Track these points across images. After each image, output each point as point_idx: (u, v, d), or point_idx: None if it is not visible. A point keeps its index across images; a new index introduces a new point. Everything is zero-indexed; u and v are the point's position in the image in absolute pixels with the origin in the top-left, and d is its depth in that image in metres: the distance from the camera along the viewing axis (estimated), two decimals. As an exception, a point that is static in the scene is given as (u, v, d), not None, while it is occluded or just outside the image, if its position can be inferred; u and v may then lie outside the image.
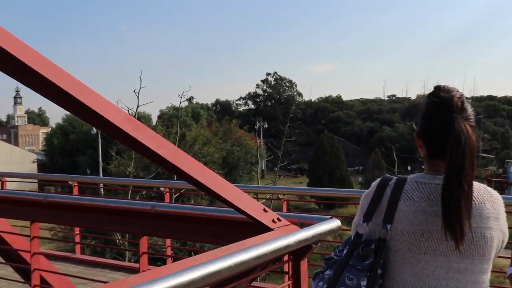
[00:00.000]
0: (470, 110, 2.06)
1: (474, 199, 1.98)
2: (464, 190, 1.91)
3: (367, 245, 2.06)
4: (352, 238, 2.14)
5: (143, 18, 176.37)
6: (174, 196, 18.68)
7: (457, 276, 1.98)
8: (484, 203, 2.01)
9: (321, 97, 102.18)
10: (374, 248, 2.04)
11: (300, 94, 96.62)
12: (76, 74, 2.48)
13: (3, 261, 5.47)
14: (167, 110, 60.41)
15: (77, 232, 9.32)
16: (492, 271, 2.17)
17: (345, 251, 2.11)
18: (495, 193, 2.09)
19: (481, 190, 2.05)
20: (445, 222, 1.92)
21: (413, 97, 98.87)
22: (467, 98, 2.10)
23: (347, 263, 2.06)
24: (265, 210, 3.13)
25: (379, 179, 2.19)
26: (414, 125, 2.25)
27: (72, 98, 2.44)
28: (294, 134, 73.17)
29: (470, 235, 1.96)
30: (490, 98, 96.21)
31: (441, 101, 2.06)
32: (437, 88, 2.12)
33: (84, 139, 59.13)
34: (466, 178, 1.92)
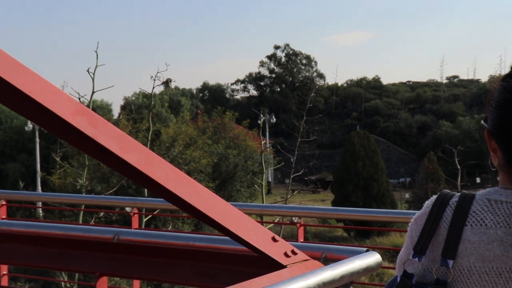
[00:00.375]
0: None
1: None
2: None
3: None
4: (398, 280, 2.09)
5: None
6: (145, 219, 18.80)
7: None
8: None
9: (351, 80, 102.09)
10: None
11: (321, 76, 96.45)
12: (10, 45, 2.49)
13: None
14: (134, 98, 60.59)
15: (4, 272, 9.32)
16: None
17: None
18: None
19: None
20: None
21: (484, 79, 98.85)
22: None
23: None
24: (274, 240, 3.15)
25: (434, 196, 2.13)
26: (483, 120, 2.15)
27: (3, 83, 2.46)
28: (313, 132, 73.19)
29: None
30: None
31: None
32: None
33: (15, 139, 59.00)
34: None
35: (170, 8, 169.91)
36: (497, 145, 2.05)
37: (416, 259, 2.06)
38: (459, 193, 2.10)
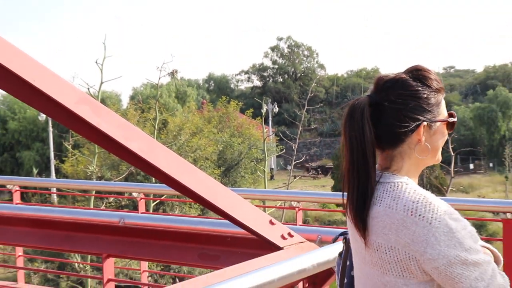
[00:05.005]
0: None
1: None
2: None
3: (343, 234, 2.62)
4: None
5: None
6: (153, 204, 18.83)
7: (365, 278, 2.32)
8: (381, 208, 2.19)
9: (351, 70, 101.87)
10: (345, 245, 2.58)
11: (322, 67, 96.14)
12: (12, 40, 2.50)
13: None
14: (142, 89, 60.52)
15: (20, 254, 9.36)
16: None
17: None
18: (413, 199, 2.12)
19: (390, 191, 2.18)
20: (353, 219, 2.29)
21: (479, 69, 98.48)
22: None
23: (340, 253, 2.63)
24: (272, 223, 3.16)
25: None
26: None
27: (8, 72, 2.46)
28: (314, 120, 73.12)
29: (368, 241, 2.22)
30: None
31: None
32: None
33: (29, 129, 58.85)
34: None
35: (177, 1, 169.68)
36: None
37: None
38: None
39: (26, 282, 9.48)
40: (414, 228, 2.05)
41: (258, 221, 3.11)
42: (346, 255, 2.56)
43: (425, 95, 2.22)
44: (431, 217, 2.05)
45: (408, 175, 2.22)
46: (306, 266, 2.79)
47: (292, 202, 8.64)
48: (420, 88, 2.21)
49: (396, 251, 2.09)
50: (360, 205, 2.18)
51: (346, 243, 2.56)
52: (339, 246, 2.75)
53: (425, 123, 2.20)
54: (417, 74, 2.25)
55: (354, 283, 2.46)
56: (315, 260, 2.84)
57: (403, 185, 2.15)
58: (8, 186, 10.04)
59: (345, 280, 2.52)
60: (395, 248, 2.09)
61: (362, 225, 2.18)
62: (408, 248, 2.07)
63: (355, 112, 2.18)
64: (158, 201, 18.80)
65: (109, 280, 4.32)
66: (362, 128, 2.15)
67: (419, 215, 2.05)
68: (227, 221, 3.18)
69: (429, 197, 2.10)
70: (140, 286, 7.18)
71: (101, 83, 23.73)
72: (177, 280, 15.11)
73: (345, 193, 2.33)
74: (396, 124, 2.18)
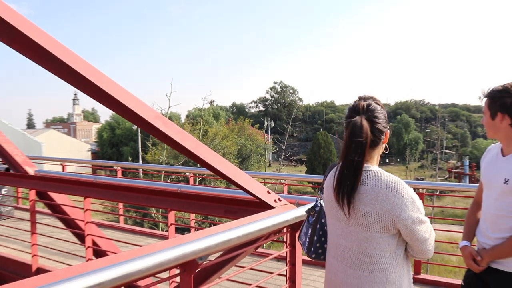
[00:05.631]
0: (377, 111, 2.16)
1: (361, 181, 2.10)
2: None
3: (314, 208, 2.47)
4: (315, 201, 2.51)
5: (177, 33, 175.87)
6: (198, 180, 18.70)
7: (346, 237, 2.14)
8: (368, 186, 2.09)
9: (318, 102, 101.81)
10: (317, 210, 2.43)
11: (300, 99, 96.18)
12: (121, 80, 2.52)
13: (63, 227, 5.57)
14: (193, 111, 60.45)
15: (121, 207, 9.39)
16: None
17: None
18: (391, 181, 2.08)
19: (372, 176, 2.10)
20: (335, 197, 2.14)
21: (392, 103, 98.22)
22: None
23: (307, 219, 2.49)
24: (268, 192, 3.15)
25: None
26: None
27: (116, 101, 2.47)
28: (295, 131, 73.02)
29: (353, 210, 2.10)
30: (453, 105, 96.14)
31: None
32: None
33: (127, 133, 59.20)
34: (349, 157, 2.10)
35: (218, 59, 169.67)
36: None
37: (320, 194, 2.45)
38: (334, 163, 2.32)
39: (124, 223, 9.48)
40: (393, 199, 2.02)
41: (261, 191, 3.10)
42: (316, 221, 2.42)
43: (386, 113, 2.23)
44: (403, 192, 2.04)
45: (377, 165, 2.18)
46: (288, 218, 2.78)
47: (281, 180, 8.64)
48: (384, 110, 2.20)
49: (379, 215, 2.04)
50: (352, 186, 2.07)
51: (316, 213, 2.43)
52: (309, 206, 2.73)
53: (388, 130, 2.20)
54: (378, 100, 2.21)
55: (321, 239, 2.38)
56: (294, 215, 2.83)
57: (380, 172, 2.10)
58: (114, 167, 10.10)
59: (315, 238, 2.39)
60: (379, 213, 2.04)
61: (350, 199, 2.08)
62: (388, 213, 2.03)
63: (356, 126, 2.06)
64: (201, 178, 18.69)
65: (171, 224, 4.30)
66: (366, 136, 2.06)
67: (396, 191, 2.03)
68: (241, 190, 3.17)
69: (399, 179, 2.09)
70: (189, 228, 7.12)
71: (169, 107, 24.05)
72: (212, 225, 15.17)
73: (326, 175, 2.32)
74: (380, 132, 2.15)
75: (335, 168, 2.19)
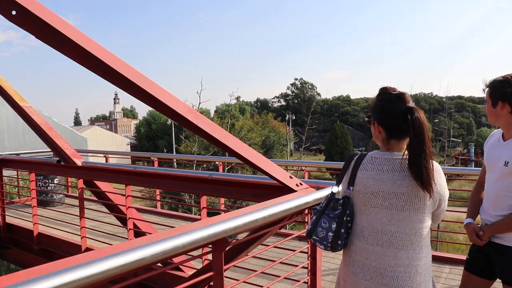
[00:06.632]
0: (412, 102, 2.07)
1: None
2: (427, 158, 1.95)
3: (337, 200, 2.16)
4: (328, 195, 2.23)
5: (203, 38, 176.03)
6: (227, 168, 18.81)
7: (397, 223, 2.01)
8: None
9: (334, 96, 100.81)
10: (342, 203, 2.12)
11: (319, 94, 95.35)
12: (156, 79, 2.54)
13: (108, 211, 5.69)
14: (221, 106, 60.64)
15: (158, 193, 9.51)
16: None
17: (323, 204, 2.22)
18: (435, 164, 2.05)
19: None
20: (420, 183, 1.96)
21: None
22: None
23: (324, 212, 2.18)
24: (291, 177, 3.15)
25: (349, 155, 2.21)
26: (367, 118, 2.18)
27: (153, 98, 2.50)
28: (314, 123, 72.51)
29: (406, 196, 1.99)
30: (459, 97, 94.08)
31: (396, 96, 2.05)
32: (385, 88, 2.11)
33: (162, 128, 59.62)
34: (427, 150, 1.95)
35: (243, 58, 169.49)
36: (382, 129, 2.09)
37: (337, 186, 2.23)
38: (359, 153, 2.20)
39: (161, 208, 9.60)
40: (440, 181, 2.08)
41: (284, 177, 3.11)
42: (343, 214, 2.10)
43: None
44: (443, 174, 2.11)
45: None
46: (309, 200, 2.77)
47: (302, 167, 8.62)
48: None
49: (433, 197, 2.02)
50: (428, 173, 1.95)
51: (341, 206, 2.12)
52: (327, 190, 2.72)
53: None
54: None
55: (347, 231, 2.11)
56: (314, 197, 2.82)
57: None
58: (151, 158, 10.20)
59: (342, 231, 2.09)
60: (433, 195, 2.02)
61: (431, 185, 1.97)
62: (438, 194, 2.06)
63: (422, 117, 1.97)
64: (230, 167, 18.82)
65: (203, 208, 4.34)
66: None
67: (441, 172, 2.10)
68: (266, 176, 3.18)
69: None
70: (219, 211, 7.17)
71: (199, 103, 24.09)
72: (240, 208, 15.23)
73: (350, 165, 2.14)
74: None
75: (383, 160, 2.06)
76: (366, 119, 2.19)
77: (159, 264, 3.84)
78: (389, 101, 2.05)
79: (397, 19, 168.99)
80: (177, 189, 4.12)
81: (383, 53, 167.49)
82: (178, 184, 4.17)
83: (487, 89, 2.64)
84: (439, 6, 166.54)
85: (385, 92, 2.10)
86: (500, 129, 2.70)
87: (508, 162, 2.51)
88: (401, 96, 2.04)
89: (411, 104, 2.02)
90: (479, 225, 2.71)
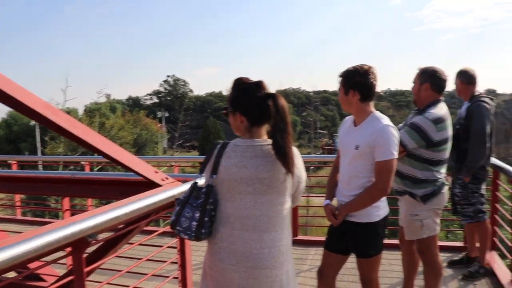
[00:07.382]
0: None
1: None
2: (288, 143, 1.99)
3: (200, 189, 2.11)
4: (191, 185, 2.19)
5: (70, 33, 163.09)
6: (96, 169, 17.78)
7: (261, 207, 2.02)
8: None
9: (207, 93, 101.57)
10: (205, 191, 2.07)
11: (191, 90, 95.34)
12: (17, 77, 2.28)
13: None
14: (90, 105, 57.14)
15: (18, 199, 8.62)
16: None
17: (186, 194, 2.17)
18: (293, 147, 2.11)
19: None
20: (286, 164, 1.99)
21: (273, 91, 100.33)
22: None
23: (187, 201, 2.12)
24: (156, 172, 3.10)
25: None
26: (224, 110, 2.17)
27: (12, 99, 2.25)
28: (187, 120, 72.22)
29: (268, 180, 2.02)
30: (325, 91, 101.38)
31: (255, 84, 2.06)
32: (240, 79, 2.12)
33: (25, 129, 54.44)
34: (290, 133, 1.98)
35: (113, 53, 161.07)
36: (245, 118, 2.08)
37: (200, 175, 2.18)
38: (222, 142, 2.15)
39: (22, 215, 8.69)
40: (300, 165, 2.17)
41: (148, 172, 3.04)
42: (206, 202, 2.06)
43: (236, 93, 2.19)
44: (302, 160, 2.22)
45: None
46: (174, 194, 2.76)
47: (172, 163, 8.58)
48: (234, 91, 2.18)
49: (294, 179, 2.11)
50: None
51: (204, 195, 2.07)
52: (189, 184, 2.72)
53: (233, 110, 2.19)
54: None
55: (211, 219, 2.06)
56: (179, 190, 2.82)
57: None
58: (8, 161, 9.25)
59: (205, 219, 2.05)
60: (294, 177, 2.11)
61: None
62: (298, 177, 2.15)
63: None
64: (100, 167, 17.86)
65: (66, 210, 4.06)
66: None
67: (300, 158, 2.18)
68: (132, 172, 3.08)
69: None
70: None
71: (65, 101, 22.78)
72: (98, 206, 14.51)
73: (214, 154, 2.11)
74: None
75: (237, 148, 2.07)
76: (224, 111, 2.17)
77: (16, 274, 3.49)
78: (248, 89, 2.04)
79: (267, 18, 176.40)
80: (35, 192, 3.78)
81: (254, 50, 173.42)
82: (37, 187, 3.81)
83: (340, 78, 2.78)
84: (305, 7, 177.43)
85: (241, 82, 2.09)
86: (352, 115, 2.88)
87: (358, 146, 2.69)
88: (259, 84, 2.04)
89: (270, 90, 2.04)
90: (336, 206, 2.89)
